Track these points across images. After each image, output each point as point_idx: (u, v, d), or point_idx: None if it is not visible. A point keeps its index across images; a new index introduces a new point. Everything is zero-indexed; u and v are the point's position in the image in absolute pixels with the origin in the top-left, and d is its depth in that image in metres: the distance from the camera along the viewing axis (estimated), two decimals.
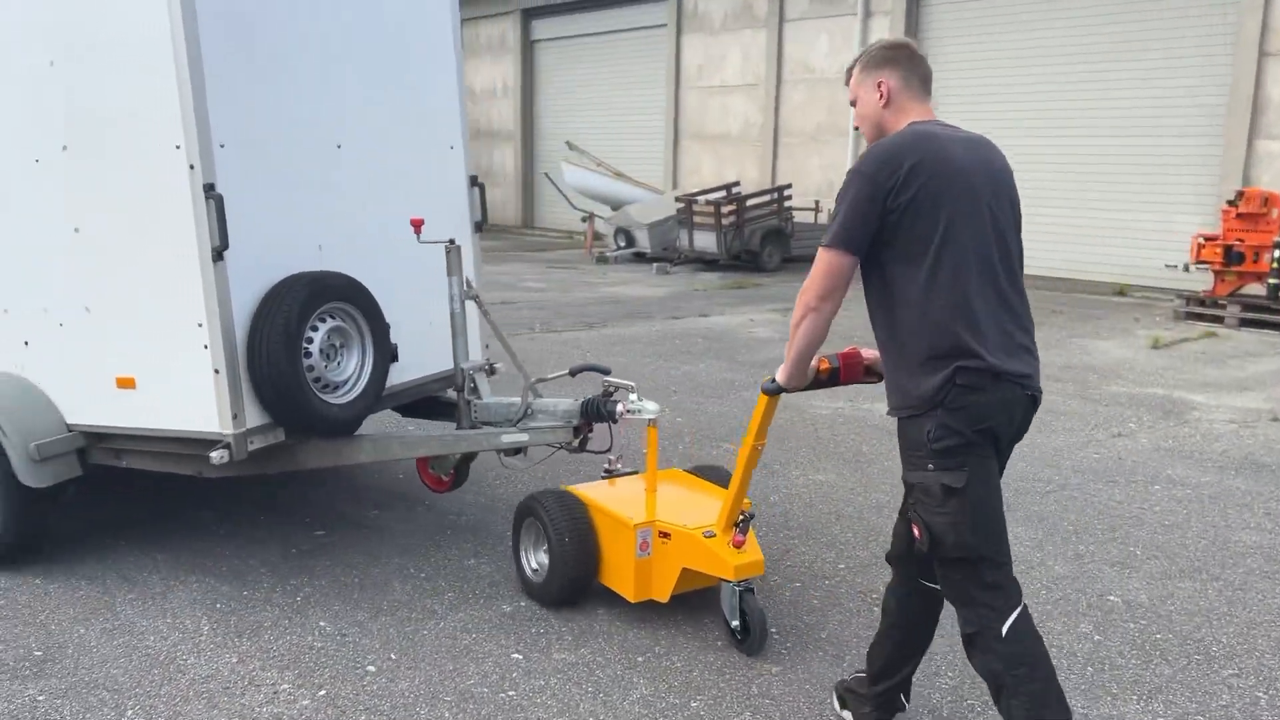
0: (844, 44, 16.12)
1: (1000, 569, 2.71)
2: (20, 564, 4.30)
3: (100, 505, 4.96)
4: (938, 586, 2.86)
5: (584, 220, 17.96)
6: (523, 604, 3.99)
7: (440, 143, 4.84)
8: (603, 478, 4.25)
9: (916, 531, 2.73)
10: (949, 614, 2.85)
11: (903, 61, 2.85)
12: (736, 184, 16.14)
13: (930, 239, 2.63)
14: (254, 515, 4.90)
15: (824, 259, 2.71)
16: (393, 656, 3.59)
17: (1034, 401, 2.76)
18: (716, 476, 4.19)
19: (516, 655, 3.60)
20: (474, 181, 5.03)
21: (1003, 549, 2.73)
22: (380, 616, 3.89)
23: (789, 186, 16.03)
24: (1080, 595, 4.15)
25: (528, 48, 22.91)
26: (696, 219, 15.21)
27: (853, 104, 2.94)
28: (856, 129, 3.00)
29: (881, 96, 2.83)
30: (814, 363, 3.01)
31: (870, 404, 7.05)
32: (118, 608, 3.95)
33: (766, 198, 15.65)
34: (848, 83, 2.95)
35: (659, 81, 19.41)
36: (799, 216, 15.99)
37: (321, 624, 3.83)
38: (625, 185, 17.47)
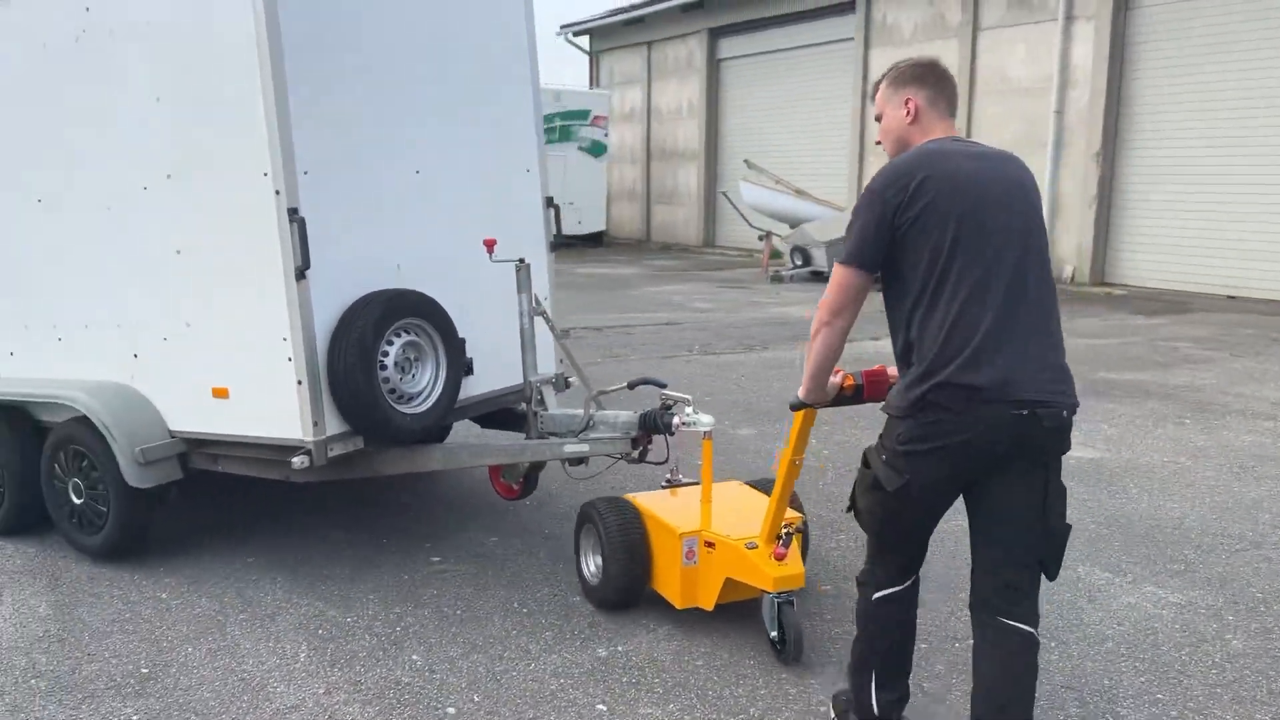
0: (1044, 53, 15.21)
1: (896, 554, 2.99)
2: (130, 562, 4.56)
3: (233, 519, 5.07)
4: (1024, 626, 2.78)
5: (761, 239, 17.71)
6: (619, 648, 3.76)
7: (517, 167, 5.06)
8: (663, 487, 4.37)
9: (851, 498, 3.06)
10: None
11: (931, 80, 2.91)
12: None
13: (939, 252, 2.68)
14: (378, 537, 4.88)
15: (836, 275, 2.82)
16: (475, 699, 3.43)
17: (1033, 418, 2.66)
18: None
19: (601, 707, 3.38)
20: (549, 203, 5.22)
21: (905, 547, 2.98)
22: (473, 654, 3.74)
23: None
24: (1260, 679, 3.54)
25: (713, 67, 22.89)
26: None
27: (878, 119, 3.00)
28: (878, 143, 3.07)
29: (908, 114, 2.90)
30: (838, 379, 3.10)
31: None
32: (228, 628, 3.97)
33: None
34: (873, 98, 3.03)
35: (845, 96, 18.95)
36: None
37: (414, 658, 3.72)
38: (804, 203, 17.08)
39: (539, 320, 4.56)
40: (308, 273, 3.90)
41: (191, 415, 4.35)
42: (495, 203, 4.86)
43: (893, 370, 3.07)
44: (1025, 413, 2.63)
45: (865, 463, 2.93)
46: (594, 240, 23.30)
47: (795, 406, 3.18)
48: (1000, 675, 2.74)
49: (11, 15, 4.53)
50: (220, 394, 4.20)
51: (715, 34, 22.51)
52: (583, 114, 22.12)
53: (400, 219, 4.43)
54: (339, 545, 4.78)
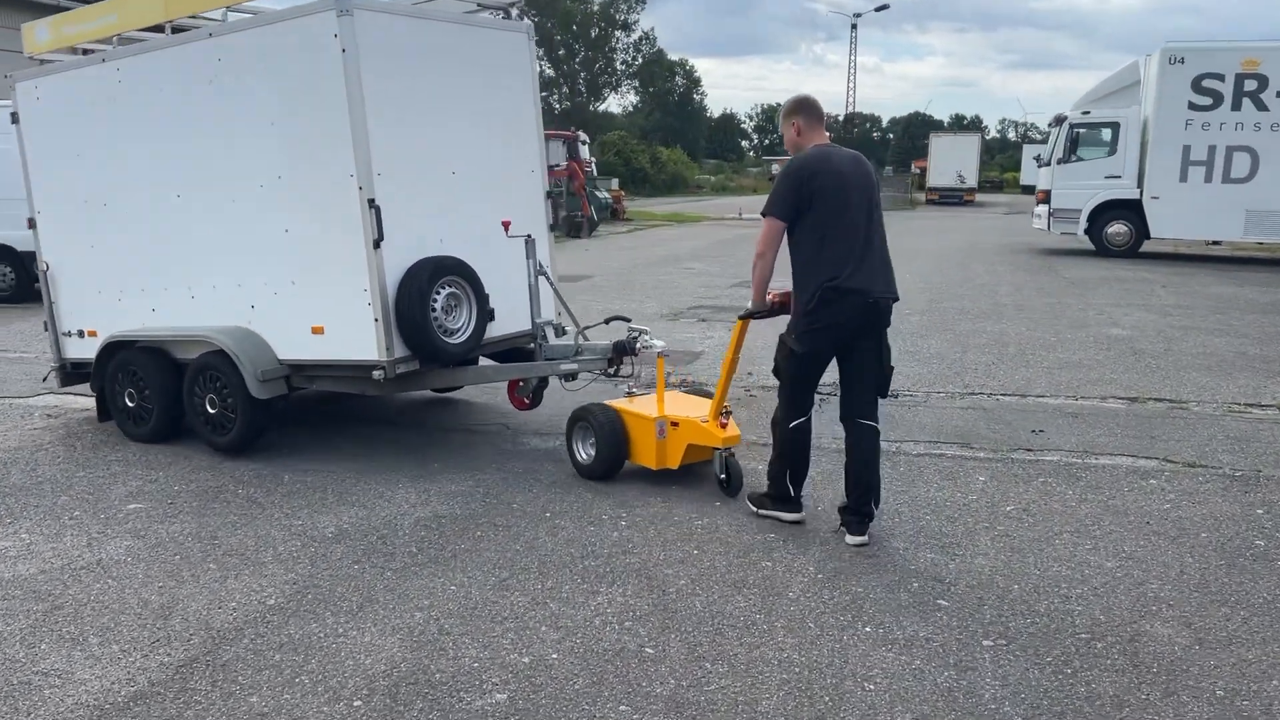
0: None
1: (800, 398, 4.69)
2: (246, 455, 6.18)
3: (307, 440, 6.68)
4: (872, 423, 4.62)
5: None
6: (623, 492, 5.31)
7: (525, 169, 6.68)
8: (624, 397, 5.90)
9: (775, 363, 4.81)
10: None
11: (806, 108, 4.67)
12: None
13: (825, 214, 4.44)
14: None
15: (764, 224, 4.57)
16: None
17: (877, 305, 4.50)
18: (701, 392, 5.83)
19: (623, 516, 4.95)
20: (549, 195, 6.90)
21: (804, 393, 4.69)
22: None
23: None
24: None
25: None
26: None
27: (781, 135, 4.78)
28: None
29: (796, 131, 4.67)
30: (772, 296, 4.76)
31: None
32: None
33: None
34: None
35: None
36: None
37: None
38: None
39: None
40: (381, 243, 5.49)
41: (296, 347, 5.99)
42: (509, 194, 6.44)
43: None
44: (872, 301, 4.47)
45: (781, 343, 4.66)
46: None
47: (743, 316, 4.85)
48: (860, 453, 4.57)
49: (162, 63, 6.19)
50: (318, 331, 5.86)
51: None
52: None
53: (443, 206, 6.00)
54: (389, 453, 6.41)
